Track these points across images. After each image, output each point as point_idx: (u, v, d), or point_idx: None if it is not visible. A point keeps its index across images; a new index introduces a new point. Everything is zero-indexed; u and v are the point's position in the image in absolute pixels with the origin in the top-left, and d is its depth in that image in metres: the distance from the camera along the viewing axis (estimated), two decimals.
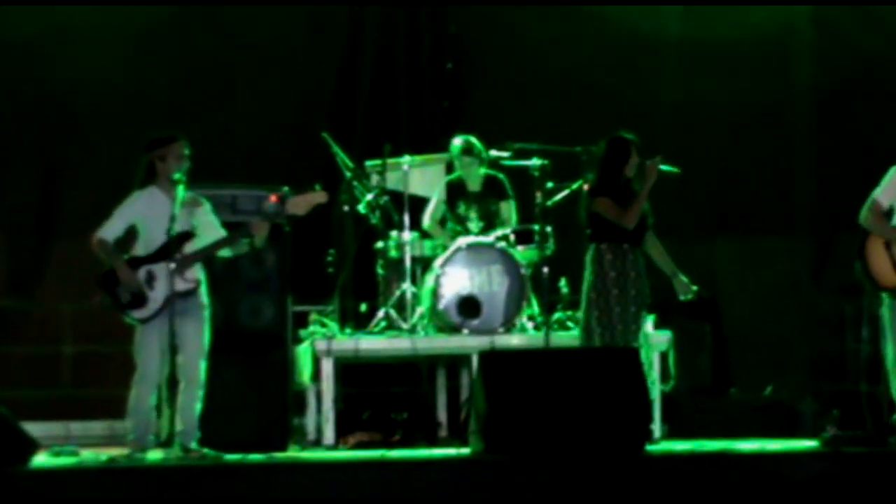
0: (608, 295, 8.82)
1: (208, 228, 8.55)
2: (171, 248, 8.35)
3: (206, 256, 8.50)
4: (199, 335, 8.38)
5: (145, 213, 8.51)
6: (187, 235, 8.44)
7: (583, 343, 8.93)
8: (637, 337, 8.81)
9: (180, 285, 8.38)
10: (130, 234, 8.58)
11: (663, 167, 8.95)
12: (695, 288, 9.10)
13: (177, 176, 8.41)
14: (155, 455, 8.39)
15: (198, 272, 8.46)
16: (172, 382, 8.39)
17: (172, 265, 8.29)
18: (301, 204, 8.54)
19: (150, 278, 8.44)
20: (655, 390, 9.09)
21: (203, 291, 8.52)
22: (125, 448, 8.54)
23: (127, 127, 10.83)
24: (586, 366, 8.28)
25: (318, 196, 8.61)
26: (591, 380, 8.15)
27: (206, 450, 8.35)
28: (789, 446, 8.80)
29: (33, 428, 9.96)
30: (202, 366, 8.41)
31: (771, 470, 7.77)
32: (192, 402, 8.36)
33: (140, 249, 8.52)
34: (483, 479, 7.62)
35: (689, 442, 9.20)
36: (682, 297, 9.05)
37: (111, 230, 8.50)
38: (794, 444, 8.94)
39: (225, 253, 8.62)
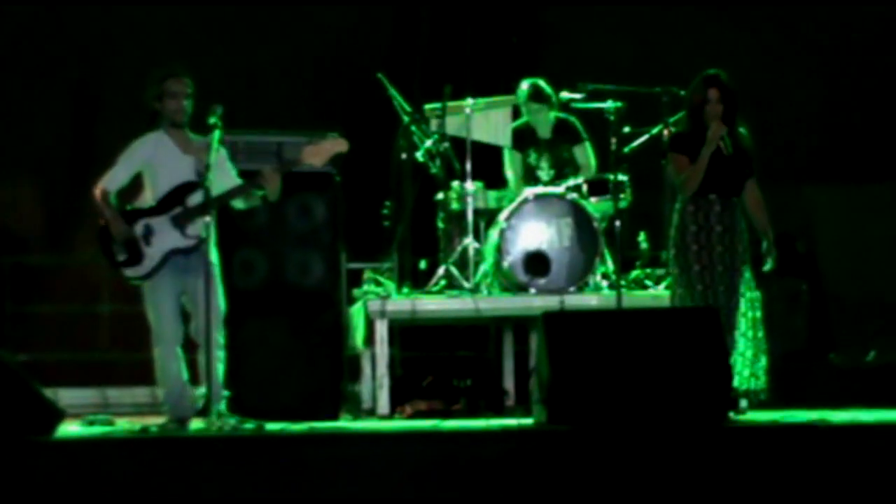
0: (687, 251, 8.60)
1: (222, 178, 8.33)
2: (172, 199, 8.25)
3: (213, 209, 8.26)
4: (209, 294, 8.17)
5: (151, 160, 8.37)
6: (190, 186, 8.26)
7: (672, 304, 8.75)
8: (726, 298, 8.54)
9: (179, 242, 8.27)
10: (137, 183, 8.44)
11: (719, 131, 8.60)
12: (768, 264, 8.74)
13: (212, 120, 8.31)
14: (194, 425, 8.37)
15: (201, 228, 8.22)
16: (189, 346, 8.35)
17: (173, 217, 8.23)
18: (318, 153, 8.36)
19: (148, 233, 8.31)
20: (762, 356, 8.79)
21: (210, 248, 8.28)
22: (164, 418, 8.53)
23: (167, 60, 10.78)
24: (660, 328, 8.11)
25: (337, 144, 8.40)
26: (666, 343, 8.00)
27: (234, 419, 8.23)
28: (886, 417, 8.60)
29: (67, 395, 10.17)
30: (219, 326, 8.26)
31: (863, 443, 7.58)
32: (212, 365, 8.21)
33: (149, 200, 8.39)
34: (546, 453, 7.48)
35: (778, 413, 9.02)
36: (763, 267, 8.78)
37: (113, 180, 8.36)
38: (889, 415, 8.72)
39: (238, 205, 8.46)
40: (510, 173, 10.33)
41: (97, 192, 8.36)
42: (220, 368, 8.26)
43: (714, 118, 8.57)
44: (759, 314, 8.67)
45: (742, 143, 8.68)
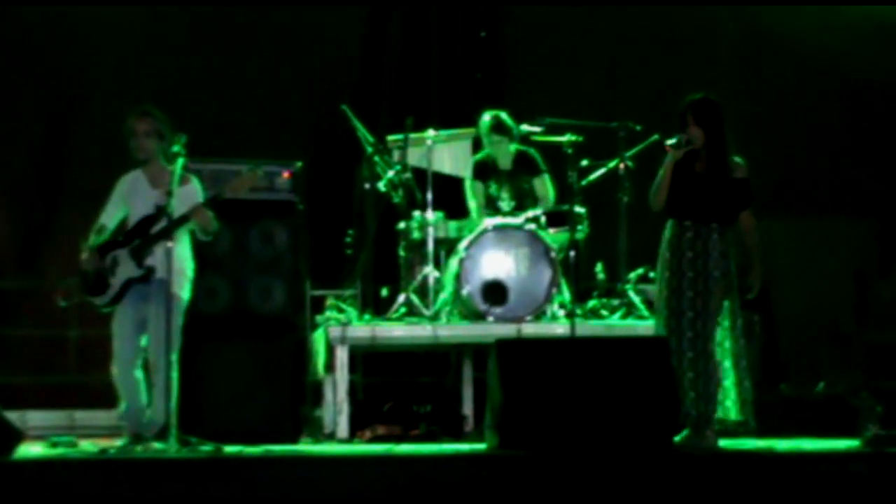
0: (661, 277, 8.48)
1: (183, 208, 8.39)
2: (135, 232, 8.40)
3: (159, 240, 8.34)
4: (159, 321, 8.25)
5: (127, 196, 8.55)
6: (150, 219, 8.37)
7: None
8: (695, 324, 8.33)
9: (135, 272, 8.40)
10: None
11: (667, 141, 8.47)
12: (750, 294, 8.63)
13: (175, 149, 8.35)
14: (155, 446, 8.31)
15: (154, 258, 8.33)
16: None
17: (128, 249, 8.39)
18: (239, 186, 8.47)
19: (114, 264, 8.47)
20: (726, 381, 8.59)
21: (175, 279, 8.32)
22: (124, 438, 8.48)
23: (137, 96, 10.74)
24: (611, 356, 8.09)
25: (252, 176, 8.49)
26: (616, 371, 7.97)
27: (192, 441, 8.24)
28: (827, 446, 8.59)
29: (35, 416, 10.07)
30: (167, 352, 8.23)
31: (806, 470, 7.57)
32: (160, 389, 8.25)
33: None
34: (497, 476, 7.44)
35: (727, 441, 9.01)
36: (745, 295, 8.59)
37: (105, 216, 8.59)
38: (833, 444, 8.70)
39: (200, 236, 8.53)
40: (472, 203, 10.31)
41: (94, 228, 8.55)
42: (167, 394, 8.23)
43: (695, 140, 8.37)
44: (735, 344, 8.51)
45: (732, 171, 8.43)
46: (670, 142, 8.42)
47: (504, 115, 10.21)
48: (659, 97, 9.61)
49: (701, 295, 8.37)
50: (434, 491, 7.40)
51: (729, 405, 8.50)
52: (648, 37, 11.69)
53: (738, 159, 8.46)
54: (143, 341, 8.45)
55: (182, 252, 8.50)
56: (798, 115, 11.77)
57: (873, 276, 11.74)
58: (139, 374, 8.45)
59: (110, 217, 8.56)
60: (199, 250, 8.74)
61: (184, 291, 8.50)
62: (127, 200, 8.56)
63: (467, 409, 10.46)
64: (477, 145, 10.43)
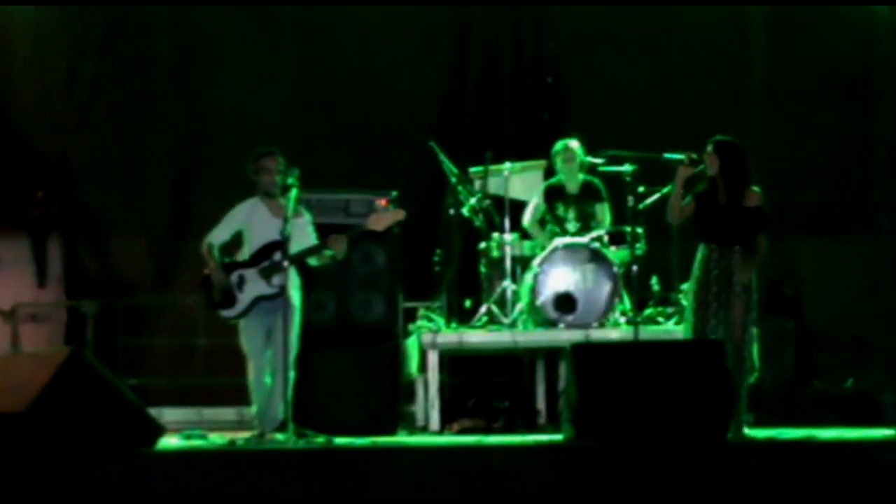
0: (692, 290, 8.35)
1: (301, 238, 8.31)
2: (261, 255, 8.30)
3: (292, 263, 8.22)
4: (280, 331, 8.13)
5: (246, 223, 8.44)
6: (276, 244, 8.22)
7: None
8: (719, 331, 8.14)
9: (265, 289, 8.27)
10: (238, 240, 8.51)
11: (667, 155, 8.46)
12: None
13: (290, 181, 8.24)
14: (276, 438, 8.17)
15: (283, 278, 8.16)
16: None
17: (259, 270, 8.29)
18: (380, 221, 8.33)
19: (241, 281, 8.35)
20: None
21: (293, 294, 8.31)
22: (251, 431, 8.40)
23: (251, 136, 10.75)
24: (672, 357, 7.86)
25: (396, 214, 8.38)
26: (677, 370, 7.74)
27: (307, 433, 8.11)
28: (869, 435, 8.31)
29: (169, 413, 9.99)
30: (286, 358, 8.14)
31: (850, 458, 7.32)
32: (279, 389, 8.14)
33: (245, 255, 8.44)
34: (574, 464, 7.26)
35: (772, 430, 8.74)
36: None
37: (217, 236, 8.46)
38: (874, 433, 8.43)
39: (312, 262, 8.43)
40: (527, 218, 10.12)
41: (204, 245, 8.43)
42: (287, 393, 8.12)
43: (707, 166, 8.31)
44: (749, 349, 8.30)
45: (747, 200, 8.31)
46: (676, 157, 8.39)
47: (575, 143, 10.03)
48: (701, 132, 9.35)
49: (724, 306, 8.23)
50: (519, 476, 7.26)
51: None
52: (688, 82, 11.48)
53: (755, 188, 8.36)
54: (268, 353, 8.33)
55: (293, 269, 8.38)
56: (817, 147, 11.52)
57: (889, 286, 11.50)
58: (269, 380, 8.33)
59: (219, 237, 8.44)
60: (309, 270, 8.60)
61: (297, 301, 8.39)
62: (245, 225, 8.44)
63: (540, 404, 10.26)
64: (548, 175, 10.25)
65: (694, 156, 8.36)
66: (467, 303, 10.12)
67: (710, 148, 8.35)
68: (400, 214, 8.38)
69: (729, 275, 8.26)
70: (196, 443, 8.42)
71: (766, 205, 8.35)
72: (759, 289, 8.43)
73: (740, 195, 8.29)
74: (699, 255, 8.38)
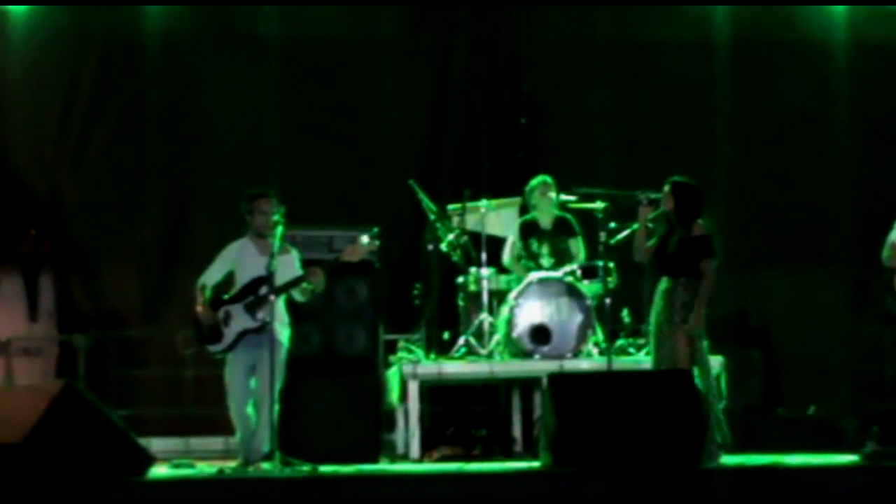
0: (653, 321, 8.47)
1: (289, 274, 8.29)
2: (247, 290, 8.28)
3: (276, 295, 8.17)
4: (265, 363, 8.07)
5: (237, 262, 8.41)
6: (262, 280, 8.20)
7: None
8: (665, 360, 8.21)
9: (250, 323, 8.24)
10: (230, 279, 8.48)
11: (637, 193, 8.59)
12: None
13: (276, 217, 8.21)
14: (263, 467, 8.11)
15: (268, 312, 8.13)
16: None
17: (244, 305, 8.27)
18: (354, 252, 8.33)
19: (227, 317, 8.33)
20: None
21: (280, 330, 8.27)
22: (237, 461, 8.34)
23: (240, 173, 10.77)
24: (645, 386, 7.86)
25: (370, 246, 8.36)
26: (649, 399, 7.73)
27: (292, 462, 8.05)
28: (832, 460, 8.31)
29: (158, 443, 9.89)
30: (271, 390, 8.06)
31: (815, 482, 7.30)
32: (265, 420, 8.09)
33: (234, 292, 8.41)
34: (553, 489, 7.24)
35: (739, 456, 8.73)
36: None
37: (210, 277, 8.43)
38: (837, 459, 8.43)
39: (297, 297, 8.39)
40: (506, 255, 10.11)
41: (198, 285, 8.41)
42: (270, 422, 8.06)
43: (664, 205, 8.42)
44: (705, 379, 8.27)
45: (693, 231, 8.36)
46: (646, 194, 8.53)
47: (550, 180, 10.03)
48: (671, 170, 9.35)
49: (669, 337, 8.24)
50: (500, 502, 7.19)
51: None
52: (662, 120, 11.50)
53: (700, 221, 8.42)
54: (253, 383, 8.29)
55: (281, 306, 8.36)
56: (788, 183, 11.57)
57: (849, 317, 11.50)
58: (251, 409, 8.30)
59: (212, 278, 8.41)
60: (295, 304, 8.56)
61: (284, 338, 8.34)
62: (235, 264, 8.41)
63: (516, 432, 10.21)
64: (523, 212, 10.25)
65: (653, 195, 8.46)
66: (446, 335, 10.09)
67: (666, 188, 8.45)
68: (373, 245, 8.36)
69: (671, 307, 8.28)
70: (185, 472, 8.37)
71: (715, 236, 8.41)
72: (727, 320, 8.48)
73: (689, 229, 8.36)
74: (659, 287, 8.42)
